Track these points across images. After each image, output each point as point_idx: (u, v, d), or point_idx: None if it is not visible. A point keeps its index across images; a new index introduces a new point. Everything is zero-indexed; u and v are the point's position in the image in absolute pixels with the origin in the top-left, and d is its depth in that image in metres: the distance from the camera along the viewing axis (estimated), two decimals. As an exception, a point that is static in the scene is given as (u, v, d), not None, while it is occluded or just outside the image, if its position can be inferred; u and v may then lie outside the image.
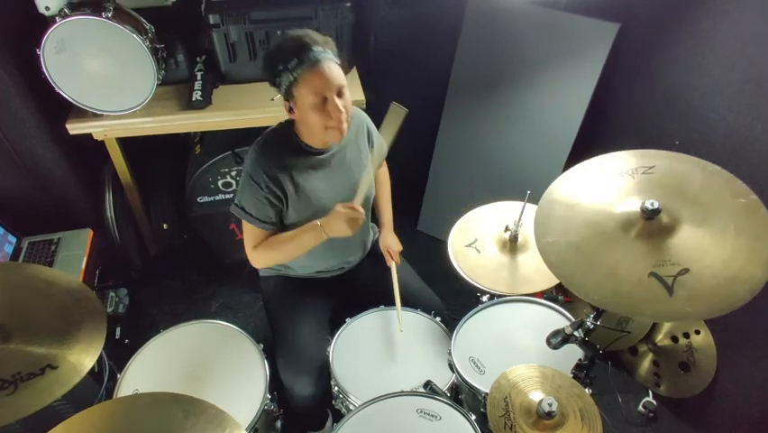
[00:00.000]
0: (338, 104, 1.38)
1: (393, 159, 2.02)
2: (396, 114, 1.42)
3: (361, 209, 1.46)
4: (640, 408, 2.10)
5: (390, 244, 1.85)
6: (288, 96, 1.41)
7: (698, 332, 1.98)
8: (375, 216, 1.92)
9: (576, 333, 1.20)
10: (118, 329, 2.04)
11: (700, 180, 1.22)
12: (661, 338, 2.10)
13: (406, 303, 1.73)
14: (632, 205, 1.20)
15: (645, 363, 2.14)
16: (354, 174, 1.63)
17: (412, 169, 2.72)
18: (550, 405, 1.03)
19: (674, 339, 2.05)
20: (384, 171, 1.93)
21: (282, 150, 1.52)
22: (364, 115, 1.72)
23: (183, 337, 1.67)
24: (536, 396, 1.09)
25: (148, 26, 1.98)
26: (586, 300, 1.06)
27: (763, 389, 1.81)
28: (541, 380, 1.12)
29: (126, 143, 2.22)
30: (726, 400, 1.92)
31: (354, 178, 1.62)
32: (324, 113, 1.39)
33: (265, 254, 1.60)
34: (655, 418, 2.09)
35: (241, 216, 1.55)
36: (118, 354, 1.76)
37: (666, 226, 1.16)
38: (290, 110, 1.45)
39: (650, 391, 2.13)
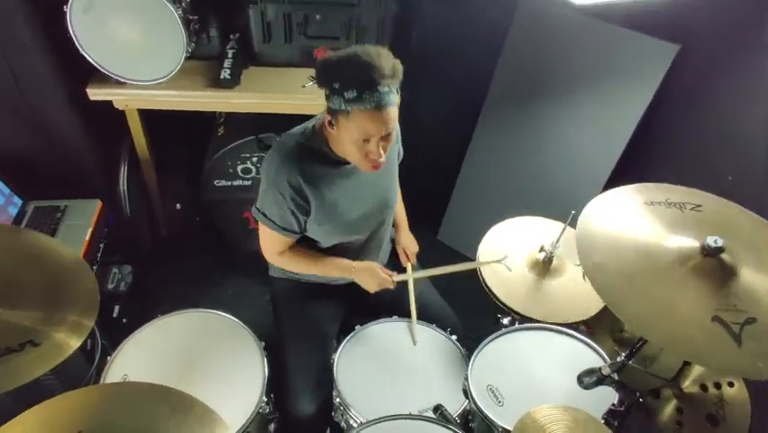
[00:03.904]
0: (380, 148, 1.29)
1: (419, 162, 1.91)
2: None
3: (395, 282, 1.53)
4: (658, 457, 1.95)
5: (407, 244, 1.77)
6: (333, 115, 1.29)
7: (731, 384, 1.82)
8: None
9: (613, 375, 1.07)
10: (117, 307, 1.95)
11: (750, 228, 1.12)
12: (688, 384, 1.94)
13: (421, 317, 1.62)
14: (687, 238, 1.08)
15: (668, 410, 1.97)
16: (380, 185, 1.54)
17: (437, 175, 2.60)
18: (583, 458, 0.90)
19: (703, 388, 1.89)
20: None
21: (307, 158, 1.40)
22: None
23: (182, 325, 1.57)
24: (566, 444, 0.96)
25: (184, -5, 1.89)
26: (646, 337, 0.95)
27: (798, 454, 1.66)
28: (572, 425, 0.99)
29: (147, 116, 2.13)
30: (756, 461, 1.77)
31: (380, 189, 1.54)
32: (363, 151, 1.30)
33: (289, 263, 1.57)
34: (674, 470, 1.93)
35: (262, 222, 1.45)
36: (113, 333, 1.68)
37: (728, 267, 1.03)
38: (330, 124, 1.33)
39: (670, 441, 1.98)
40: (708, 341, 0.90)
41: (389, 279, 1.53)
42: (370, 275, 1.51)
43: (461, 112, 2.43)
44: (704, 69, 1.90)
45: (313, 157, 1.40)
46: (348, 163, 1.43)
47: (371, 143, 1.29)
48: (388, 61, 1.23)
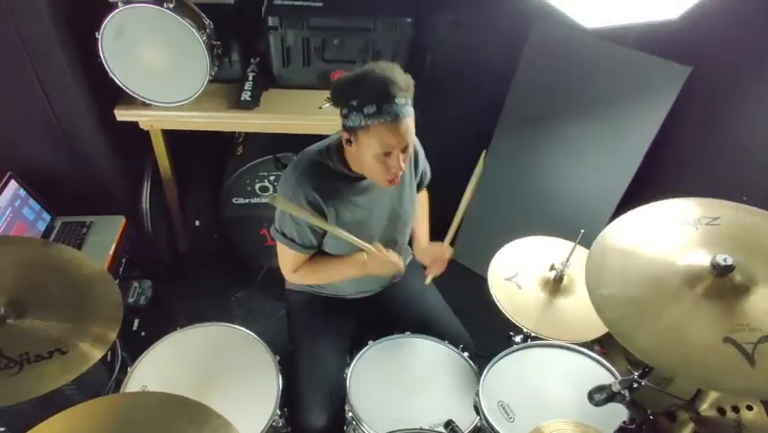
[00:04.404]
0: (400, 160, 1.33)
1: (432, 182, 1.95)
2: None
3: (396, 257, 1.53)
4: (674, 482, 1.90)
5: (422, 257, 1.74)
6: (352, 132, 1.33)
7: (750, 407, 1.79)
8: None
9: (624, 392, 1.08)
10: (137, 321, 2.00)
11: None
12: (705, 408, 1.91)
13: (434, 333, 1.63)
14: (698, 258, 1.08)
15: (685, 433, 1.96)
16: (394, 203, 1.58)
17: (450, 195, 2.62)
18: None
19: (721, 411, 1.86)
20: (423, 195, 1.86)
21: (323, 175, 1.44)
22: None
23: (200, 338, 1.61)
24: (575, 459, 0.97)
25: (207, 22, 1.98)
26: (655, 367, 0.95)
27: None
28: (581, 440, 1.00)
29: (170, 136, 2.21)
30: (776, 488, 1.72)
31: (394, 206, 1.57)
32: (384, 165, 1.33)
33: (306, 276, 1.60)
34: (691, 496, 1.89)
35: (282, 242, 1.50)
36: (133, 346, 1.72)
37: (739, 286, 1.03)
38: (348, 142, 1.37)
39: (687, 465, 1.94)
40: (719, 364, 0.90)
41: (395, 256, 1.53)
42: (382, 259, 1.51)
43: (475, 134, 2.46)
44: (716, 91, 1.92)
45: (329, 175, 1.44)
46: (363, 179, 1.47)
47: (392, 157, 1.32)
48: (401, 76, 1.30)
